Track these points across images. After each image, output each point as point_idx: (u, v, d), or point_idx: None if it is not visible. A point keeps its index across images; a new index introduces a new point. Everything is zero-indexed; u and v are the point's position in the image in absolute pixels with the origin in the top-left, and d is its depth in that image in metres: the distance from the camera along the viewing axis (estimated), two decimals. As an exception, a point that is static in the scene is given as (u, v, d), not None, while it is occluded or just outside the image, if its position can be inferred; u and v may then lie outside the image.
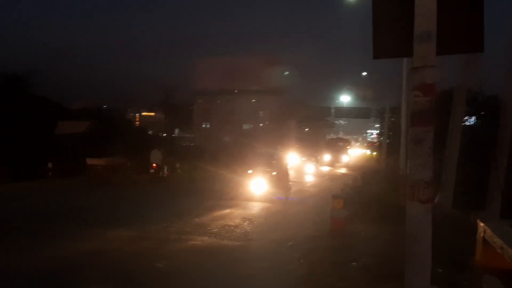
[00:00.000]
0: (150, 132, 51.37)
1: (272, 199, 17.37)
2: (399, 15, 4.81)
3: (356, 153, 70.68)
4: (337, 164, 46.60)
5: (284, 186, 18.49)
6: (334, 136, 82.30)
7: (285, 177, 19.06)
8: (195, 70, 74.27)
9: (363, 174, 22.41)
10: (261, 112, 70.91)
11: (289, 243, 9.64)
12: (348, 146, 55.38)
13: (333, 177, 31.95)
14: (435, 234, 4.71)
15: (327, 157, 47.75)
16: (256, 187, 17.76)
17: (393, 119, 31.89)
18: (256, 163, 19.08)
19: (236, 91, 70.41)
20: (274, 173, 18.14)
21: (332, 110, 54.36)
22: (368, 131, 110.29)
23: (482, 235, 3.97)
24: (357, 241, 9.25)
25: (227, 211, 14.35)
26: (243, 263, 8.18)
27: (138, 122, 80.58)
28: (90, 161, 25.26)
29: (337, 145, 53.14)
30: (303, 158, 38.96)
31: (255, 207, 15.53)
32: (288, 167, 20.13)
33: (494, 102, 16.34)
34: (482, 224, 4.03)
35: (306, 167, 36.30)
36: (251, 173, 18.28)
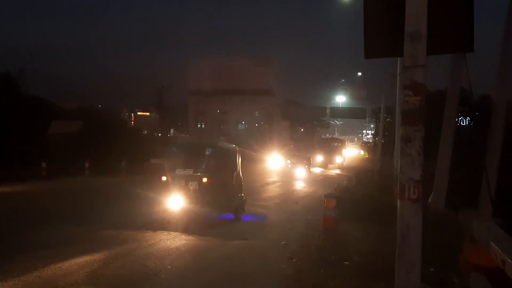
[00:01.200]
0: (145, 132, 51.40)
1: (206, 221, 11.97)
2: (390, 15, 4.83)
3: (351, 153, 70.32)
4: (330, 166, 44.31)
5: (227, 199, 12.47)
6: (329, 136, 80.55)
7: (229, 184, 12.83)
8: (190, 70, 74.36)
9: (358, 174, 22.45)
10: (256, 112, 71.04)
11: (283, 242, 9.66)
12: (342, 146, 50.85)
13: (325, 179, 30.69)
14: (427, 233, 4.74)
15: (319, 158, 44.86)
16: (174, 203, 11.59)
17: (388, 119, 32.01)
18: (179, 163, 12.70)
19: (230, 91, 70.49)
20: (205, 179, 11.59)
21: (328, 111, 54.45)
22: (364, 131, 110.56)
23: (470, 233, 4.01)
24: (349, 239, 9.30)
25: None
26: (236, 262, 8.19)
27: (133, 122, 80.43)
28: (154, 161, 28.10)
29: (331, 146, 48.91)
30: (289, 161, 35.11)
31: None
32: (238, 168, 13.51)
33: (487, 102, 16.43)
34: (470, 222, 4.07)
35: (294, 170, 32.13)
36: (166, 180, 11.95)
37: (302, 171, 32.04)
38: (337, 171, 39.36)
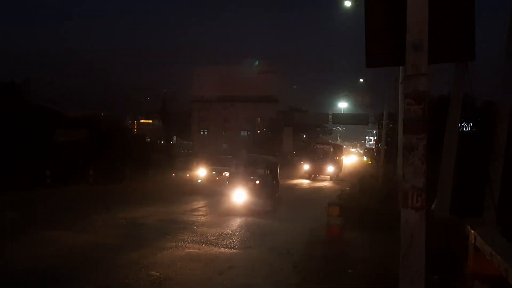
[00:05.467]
0: (148, 139, 51.55)
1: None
2: (391, 25, 4.87)
3: (353, 160, 69.78)
4: (321, 176, 35.48)
5: None
6: (332, 140, 76.57)
7: None
8: (192, 78, 74.74)
9: (361, 181, 22.38)
10: (258, 118, 71.15)
11: (286, 251, 9.64)
12: (337, 152, 39.81)
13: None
14: (431, 240, 4.75)
15: (306, 167, 36.16)
16: None
17: (391, 125, 31.95)
18: None
19: (233, 98, 70.73)
20: None
21: (330, 117, 54.39)
22: (367, 137, 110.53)
23: (473, 242, 4.02)
24: (353, 248, 9.29)
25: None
26: (241, 271, 8.17)
27: (136, 130, 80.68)
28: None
29: (321, 151, 37.92)
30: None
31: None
32: None
33: (491, 107, 16.41)
34: (473, 231, 4.08)
35: (231, 195, 16.03)
36: None
37: (247, 197, 15.59)
38: (327, 183, 32.03)
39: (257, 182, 16.18)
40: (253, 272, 8.08)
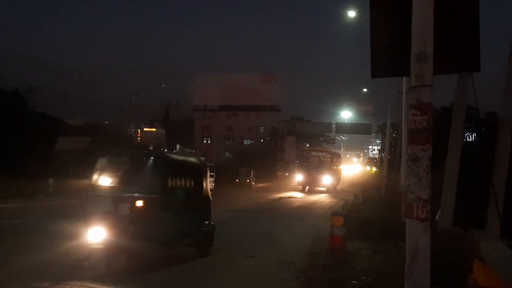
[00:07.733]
0: (151, 147, 51.72)
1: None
2: (396, 35, 4.89)
3: (356, 170, 69.53)
4: (317, 189, 32.26)
5: None
6: (335, 150, 73.87)
7: None
8: (196, 86, 75.03)
9: (364, 191, 22.28)
10: (261, 128, 71.34)
11: (289, 261, 9.59)
12: (334, 161, 35.42)
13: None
14: (435, 251, 4.72)
15: (299, 177, 32.57)
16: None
17: (394, 135, 31.94)
18: None
19: (236, 107, 70.99)
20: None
21: (333, 126, 54.27)
22: (370, 147, 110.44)
23: (477, 253, 3.99)
24: (356, 258, 9.22)
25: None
26: (244, 281, 8.13)
27: (139, 138, 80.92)
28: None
29: (316, 160, 33.52)
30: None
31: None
32: None
33: (494, 118, 16.41)
34: (479, 242, 4.05)
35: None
36: None
37: (116, 238, 8.03)
38: (323, 198, 28.75)
39: (140, 203, 8.07)
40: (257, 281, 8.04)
